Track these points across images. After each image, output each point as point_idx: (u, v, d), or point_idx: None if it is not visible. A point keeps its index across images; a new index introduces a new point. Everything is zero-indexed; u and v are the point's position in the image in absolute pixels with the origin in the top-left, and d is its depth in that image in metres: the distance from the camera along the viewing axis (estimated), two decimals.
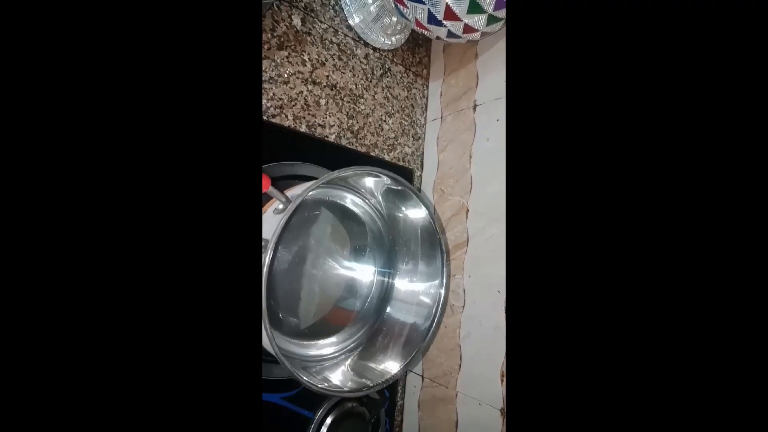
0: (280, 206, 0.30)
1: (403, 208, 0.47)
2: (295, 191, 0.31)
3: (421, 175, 0.65)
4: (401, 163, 0.63)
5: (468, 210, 0.57)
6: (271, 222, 0.29)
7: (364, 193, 0.47)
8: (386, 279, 0.50)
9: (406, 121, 0.64)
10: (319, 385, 0.34)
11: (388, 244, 0.49)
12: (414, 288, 0.47)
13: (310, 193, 0.33)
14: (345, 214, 0.49)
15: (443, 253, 0.43)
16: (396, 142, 0.62)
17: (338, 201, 0.48)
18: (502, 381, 0.48)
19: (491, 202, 0.54)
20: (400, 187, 0.42)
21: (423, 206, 0.43)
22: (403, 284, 0.48)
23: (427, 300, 0.44)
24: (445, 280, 0.43)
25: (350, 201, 0.48)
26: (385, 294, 0.48)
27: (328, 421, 0.44)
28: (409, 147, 0.64)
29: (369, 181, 0.44)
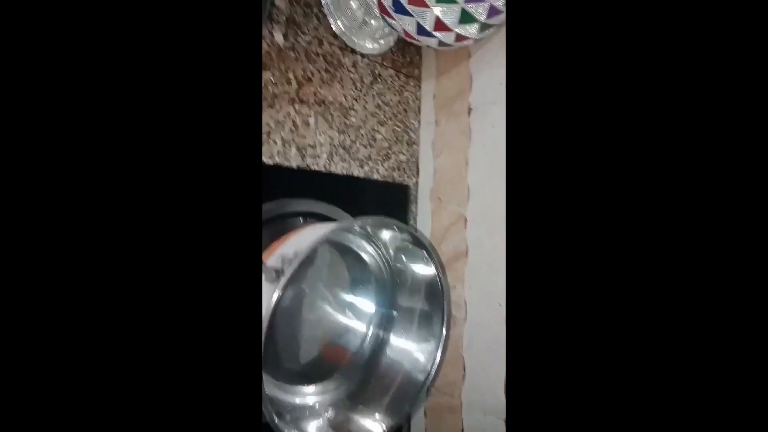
0: (272, 274, 0.29)
1: (411, 262, 0.46)
2: (287, 251, 0.30)
3: (417, 182, 0.64)
4: (395, 174, 0.61)
5: (466, 219, 0.56)
6: (264, 293, 0.28)
7: (374, 239, 0.45)
8: (381, 332, 0.49)
9: (399, 127, 0.62)
10: None
11: (389, 293, 0.48)
12: (408, 347, 0.46)
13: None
14: (347, 254, 0.47)
15: (444, 315, 0.42)
16: (390, 151, 0.61)
17: (344, 242, 0.46)
18: (505, 393, 0.49)
19: (490, 212, 0.53)
20: (413, 247, 0.40)
21: (433, 266, 0.41)
22: (397, 341, 0.47)
23: (421, 360, 0.44)
24: (442, 344, 0.42)
25: (356, 244, 0.46)
26: (379, 347, 0.47)
27: None
28: (404, 154, 0.62)
29: (385, 233, 0.42)
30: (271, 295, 0.27)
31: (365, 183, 0.56)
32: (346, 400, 0.43)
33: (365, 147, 0.57)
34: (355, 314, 0.48)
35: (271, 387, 0.39)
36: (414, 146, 0.64)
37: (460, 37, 0.45)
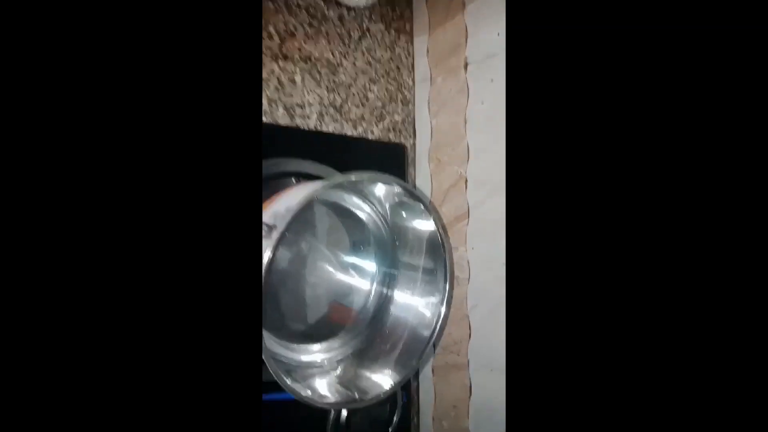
0: (265, 229, 0.27)
1: (410, 218, 0.44)
2: (279, 207, 0.28)
3: (414, 144, 0.62)
4: (391, 135, 0.58)
5: (467, 180, 0.54)
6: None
7: (369, 197, 0.43)
8: (385, 289, 0.48)
9: (393, 85, 0.59)
10: (303, 393, 0.34)
11: (390, 252, 0.47)
12: (413, 302, 0.45)
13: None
14: (346, 216, 0.46)
15: (447, 270, 0.41)
16: (384, 111, 0.58)
17: (339, 202, 0.45)
18: None
19: (490, 172, 0.51)
20: (410, 200, 0.39)
21: (432, 219, 0.40)
22: (401, 296, 0.47)
23: (427, 314, 0.43)
24: (446, 298, 0.41)
25: (353, 203, 0.45)
26: (383, 304, 0.47)
27: None
28: (399, 114, 0.60)
29: (379, 188, 0.41)
30: (265, 251, 0.25)
31: (359, 142, 0.53)
32: (354, 357, 0.43)
33: (357, 107, 0.54)
34: (357, 274, 0.47)
35: (277, 347, 0.39)
36: (409, 105, 0.61)
37: None
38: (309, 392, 0.35)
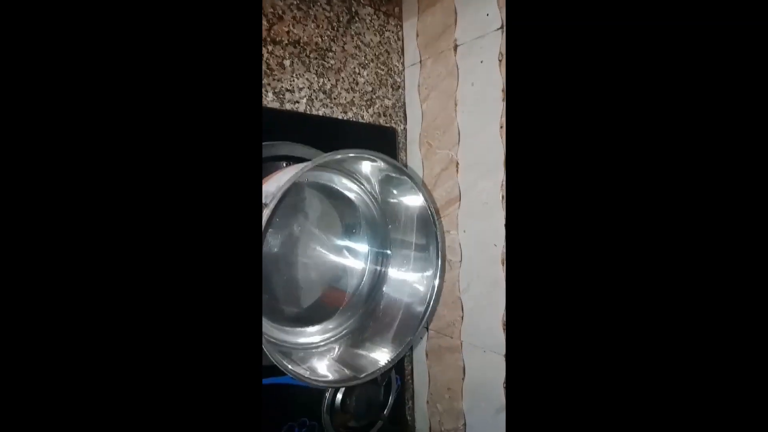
0: None
1: (399, 195, 0.44)
2: (270, 187, 0.28)
3: (405, 129, 0.61)
4: (381, 120, 0.58)
5: (458, 164, 0.54)
6: None
7: (358, 177, 0.43)
8: (379, 267, 0.48)
9: (383, 69, 0.58)
10: (305, 374, 0.34)
11: (381, 231, 0.47)
12: (407, 278, 0.45)
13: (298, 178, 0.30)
14: (337, 199, 0.46)
15: (438, 243, 0.41)
16: (374, 96, 0.58)
17: (329, 184, 0.45)
18: (503, 330, 0.49)
19: (481, 154, 0.51)
20: (398, 176, 0.39)
21: (420, 193, 0.40)
22: (395, 273, 0.47)
23: (420, 289, 0.43)
24: (439, 271, 0.41)
25: (342, 185, 0.45)
26: (377, 282, 0.47)
27: (342, 388, 0.45)
28: (389, 99, 0.59)
29: (365, 166, 0.41)
30: None
31: (350, 126, 0.53)
32: (350, 337, 0.44)
33: (347, 91, 0.54)
34: (351, 255, 0.48)
35: (273, 331, 0.39)
36: (399, 90, 0.60)
37: None
38: (307, 373, 0.35)
